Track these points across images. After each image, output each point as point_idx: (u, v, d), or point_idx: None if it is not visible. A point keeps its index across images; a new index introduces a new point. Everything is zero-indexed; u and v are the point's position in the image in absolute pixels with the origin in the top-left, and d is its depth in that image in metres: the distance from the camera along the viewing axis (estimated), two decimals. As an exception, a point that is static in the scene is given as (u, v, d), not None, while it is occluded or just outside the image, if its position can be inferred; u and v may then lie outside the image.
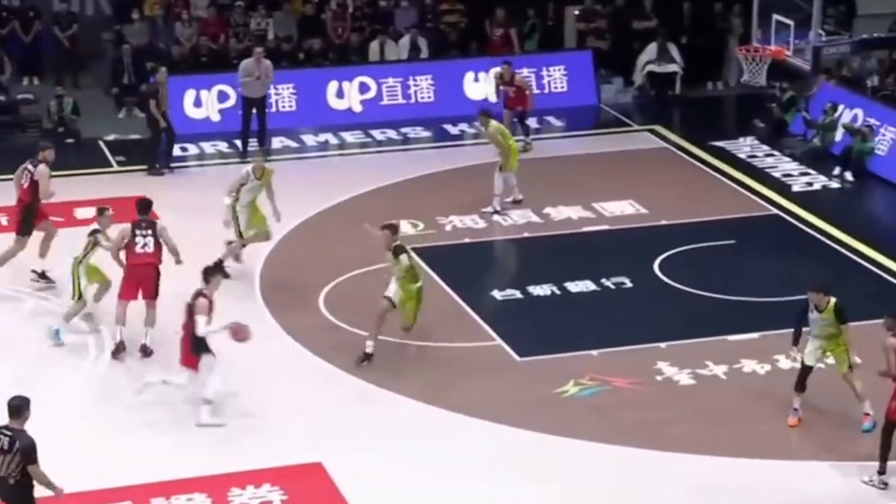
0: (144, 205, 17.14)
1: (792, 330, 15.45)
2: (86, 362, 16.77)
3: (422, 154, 24.52)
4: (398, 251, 16.61)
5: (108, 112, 26.28)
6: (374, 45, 27.77)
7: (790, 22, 20.29)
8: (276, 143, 24.56)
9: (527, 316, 18.33)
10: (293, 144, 24.72)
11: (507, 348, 17.27)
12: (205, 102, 25.47)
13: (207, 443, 15.05)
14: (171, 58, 26.67)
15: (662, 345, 17.09)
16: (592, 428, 15.39)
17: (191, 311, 15.11)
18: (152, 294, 16.81)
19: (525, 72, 25.72)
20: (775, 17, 20.46)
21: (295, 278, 19.10)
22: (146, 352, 16.73)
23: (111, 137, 24.89)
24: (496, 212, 21.29)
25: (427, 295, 18.60)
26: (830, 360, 15.48)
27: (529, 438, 15.19)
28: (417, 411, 15.76)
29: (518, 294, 18.83)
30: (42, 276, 18.60)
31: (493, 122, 21.56)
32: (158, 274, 16.86)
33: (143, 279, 16.76)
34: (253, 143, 23.80)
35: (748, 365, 16.68)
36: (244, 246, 19.12)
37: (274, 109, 25.23)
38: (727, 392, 16.14)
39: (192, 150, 24.56)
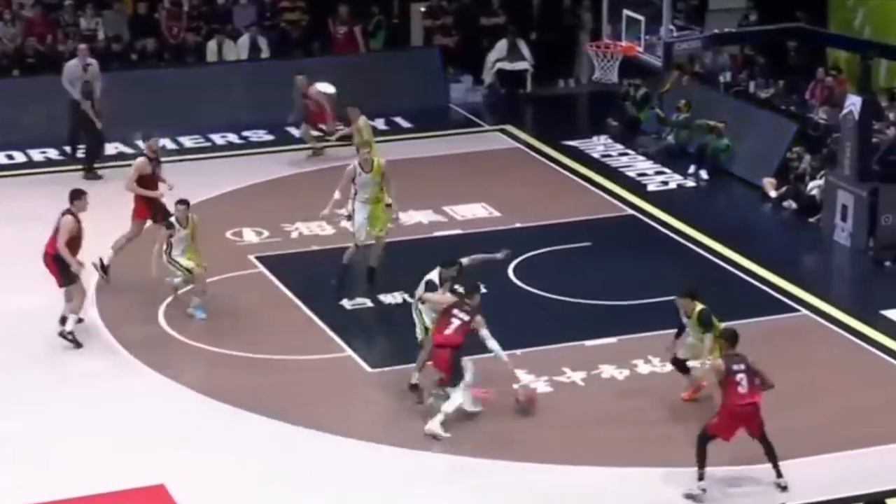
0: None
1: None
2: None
3: (265, 158, 24.34)
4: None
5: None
6: (212, 45, 27.52)
7: (641, 17, 20.52)
8: (111, 148, 24.14)
9: (378, 325, 18.30)
10: (128, 151, 24.33)
11: (358, 359, 17.22)
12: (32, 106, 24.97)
13: (45, 466, 14.74)
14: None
15: (518, 352, 17.14)
16: (448, 440, 15.38)
17: (466, 327, 15.38)
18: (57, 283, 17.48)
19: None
20: (626, 12, 20.69)
21: (133, 290, 18.81)
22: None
23: None
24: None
25: (273, 306, 18.51)
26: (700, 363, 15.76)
27: (382, 452, 15.15)
28: (264, 427, 15.62)
29: (368, 303, 18.80)
30: (103, 268, 18.75)
31: (363, 117, 21.51)
32: (57, 261, 17.24)
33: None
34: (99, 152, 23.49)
35: (607, 370, 16.85)
36: (357, 248, 18.76)
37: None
38: (586, 399, 16.29)
39: (19, 157, 24.11)
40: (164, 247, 17.93)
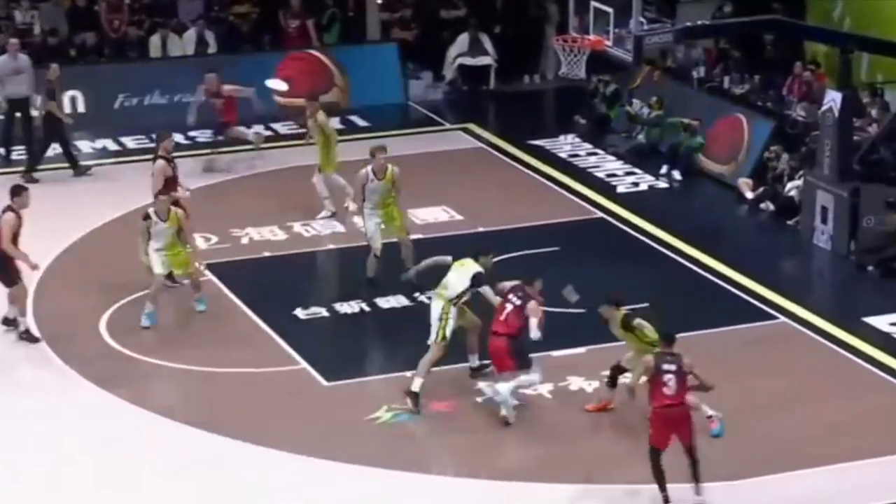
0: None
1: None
2: None
3: (213, 160, 24.28)
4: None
5: None
6: (155, 40, 27.48)
7: (609, 9, 20.60)
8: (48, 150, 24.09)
9: (334, 336, 18.31)
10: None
11: (313, 372, 17.22)
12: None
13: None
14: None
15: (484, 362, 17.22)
16: (408, 456, 15.42)
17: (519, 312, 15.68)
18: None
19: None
20: (593, 3, 20.77)
21: (73, 302, 18.77)
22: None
23: None
24: (334, 214, 21.41)
25: (222, 316, 18.50)
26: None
27: (339, 470, 15.15)
28: (210, 443, 15.60)
29: (324, 312, 18.80)
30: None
31: (322, 112, 21.53)
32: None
33: None
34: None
35: (575, 382, 16.90)
36: (377, 258, 18.87)
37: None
38: (553, 413, 16.34)
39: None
40: (142, 237, 18.11)
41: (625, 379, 15.92)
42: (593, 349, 17.45)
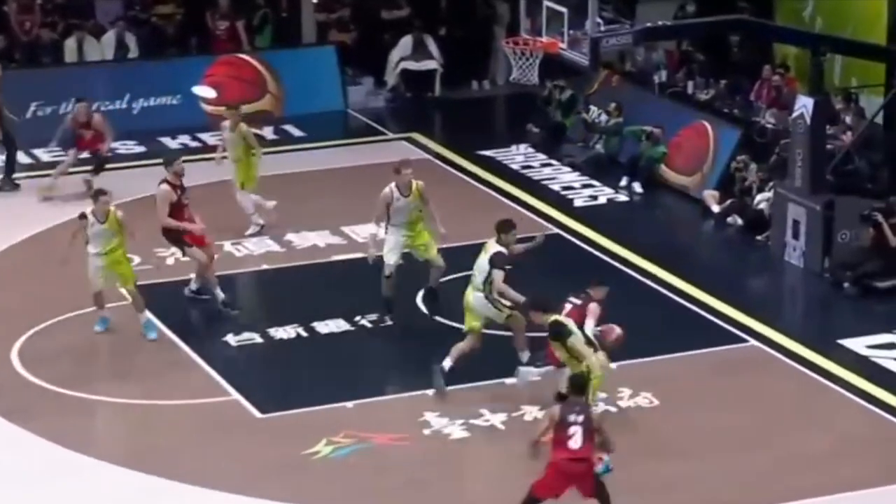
0: None
1: None
2: None
3: (135, 173, 24.19)
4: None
5: None
6: (71, 43, 27.39)
7: (563, 9, 20.68)
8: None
9: (268, 364, 18.27)
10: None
11: (246, 404, 17.17)
12: None
13: None
14: None
15: (430, 392, 17.21)
16: (348, 494, 15.39)
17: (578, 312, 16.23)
18: None
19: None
20: (546, 3, 20.85)
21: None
22: None
23: None
24: (263, 227, 21.57)
25: (146, 343, 18.43)
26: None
27: (275, 510, 15.15)
28: (132, 482, 15.49)
29: (257, 338, 18.76)
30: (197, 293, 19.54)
31: (244, 124, 21.49)
32: None
33: None
34: None
35: (530, 412, 16.92)
36: (388, 278, 18.80)
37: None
38: (506, 444, 16.33)
39: None
40: (74, 237, 18.19)
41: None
42: (550, 374, 17.41)
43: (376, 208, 18.81)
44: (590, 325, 16.18)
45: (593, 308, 16.31)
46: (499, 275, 16.87)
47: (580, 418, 13.98)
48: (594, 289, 16.56)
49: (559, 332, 15.76)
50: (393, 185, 18.82)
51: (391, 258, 18.82)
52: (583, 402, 14.24)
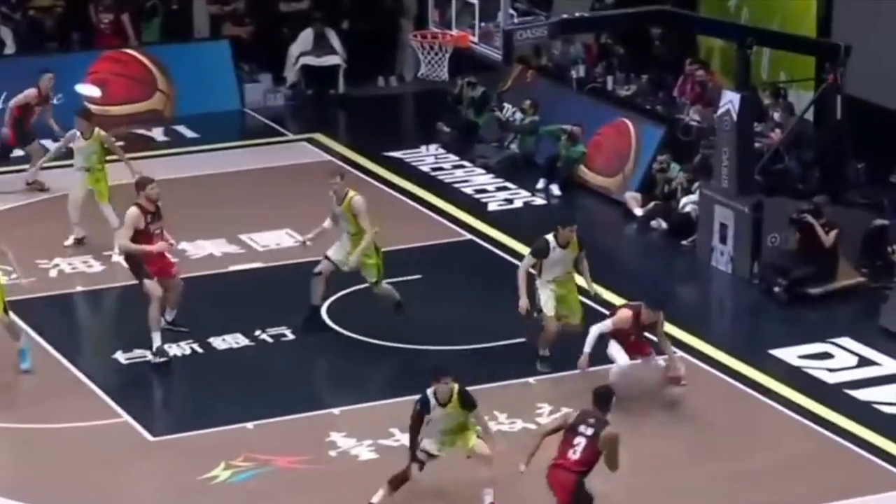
0: None
1: None
2: None
3: (14, 179, 23.97)
4: None
5: None
6: (-60, 40, 27.14)
7: (474, 0, 20.75)
8: None
9: (161, 383, 18.18)
10: None
11: (137, 426, 17.07)
12: None
13: None
14: None
15: (336, 410, 17.19)
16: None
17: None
18: None
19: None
20: (456, -7, 20.93)
21: None
22: None
23: None
24: (83, 239, 21.46)
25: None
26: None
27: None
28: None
29: (148, 355, 18.63)
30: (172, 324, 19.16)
31: (98, 128, 21.33)
32: None
33: None
34: None
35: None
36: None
37: None
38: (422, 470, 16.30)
39: None
40: None
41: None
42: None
43: (525, 263, 18.66)
44: (606, 325, 17.57)
45: (655, 315, 17.58)
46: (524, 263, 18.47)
47: (589, 431, 14.24)
48: (649, 316, 17.59)
49: (470, 401, 15.27)
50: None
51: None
52: (601, 417, 14.39)
